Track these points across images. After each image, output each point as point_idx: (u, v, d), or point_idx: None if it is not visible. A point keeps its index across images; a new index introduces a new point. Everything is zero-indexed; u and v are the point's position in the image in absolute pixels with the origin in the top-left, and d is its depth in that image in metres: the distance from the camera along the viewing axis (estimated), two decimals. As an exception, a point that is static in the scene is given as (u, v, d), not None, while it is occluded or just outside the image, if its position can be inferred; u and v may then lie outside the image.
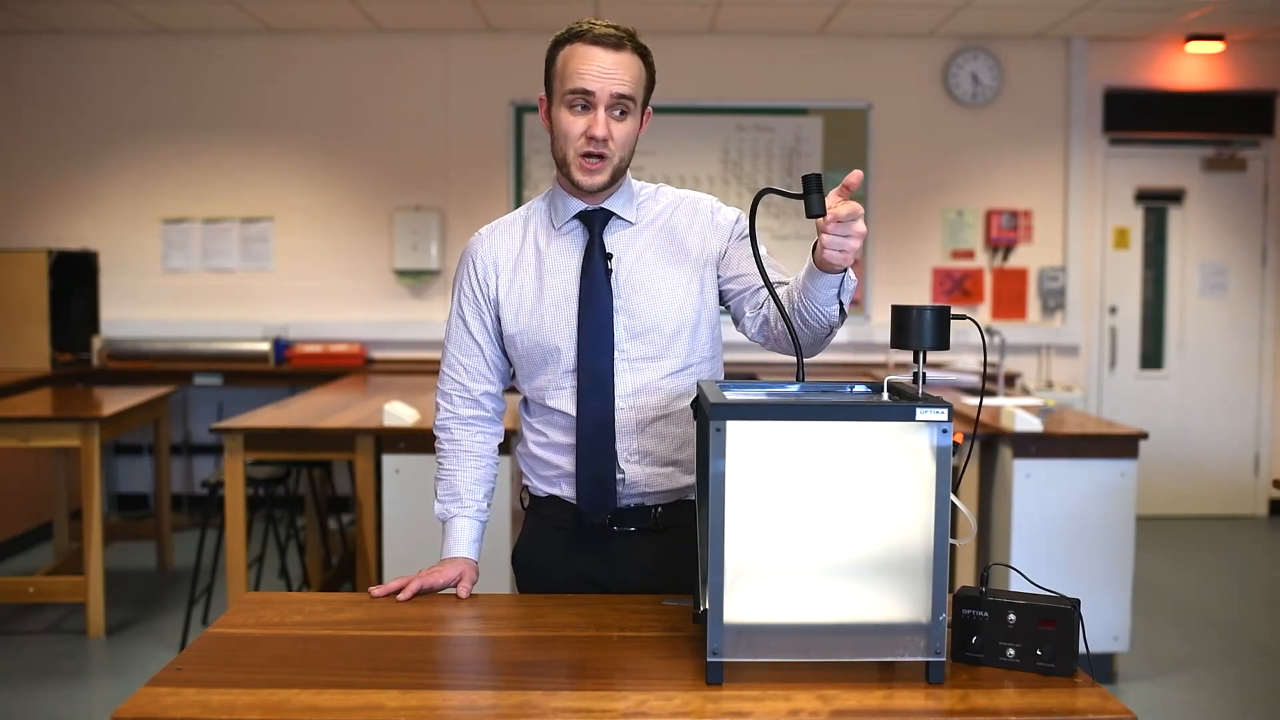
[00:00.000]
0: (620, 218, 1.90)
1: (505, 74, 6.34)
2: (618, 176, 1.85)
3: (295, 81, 6.43)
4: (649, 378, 1.88)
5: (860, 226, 1.59)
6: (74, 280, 6.20)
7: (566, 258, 1.89)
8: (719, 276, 1.92)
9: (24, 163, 6.44)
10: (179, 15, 6.03)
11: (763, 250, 1.80)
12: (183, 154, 6.43)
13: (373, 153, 6.46)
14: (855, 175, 1.59)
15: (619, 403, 1.86)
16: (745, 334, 1.90)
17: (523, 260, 1.91)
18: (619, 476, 1.87)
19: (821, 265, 1.62)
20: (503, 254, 1.93)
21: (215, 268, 6.47)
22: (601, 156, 1.80)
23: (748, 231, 1.80)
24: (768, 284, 1.73)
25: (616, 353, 1.86)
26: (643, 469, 1.88)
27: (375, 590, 1.82)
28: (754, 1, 5.74)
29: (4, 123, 6.43)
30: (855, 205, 1.58)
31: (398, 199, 6.46)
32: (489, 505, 1.99)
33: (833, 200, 1.59)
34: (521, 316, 1.89)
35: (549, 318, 1.87)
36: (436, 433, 2.01)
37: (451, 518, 1.95)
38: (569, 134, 1.81)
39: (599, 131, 1.78)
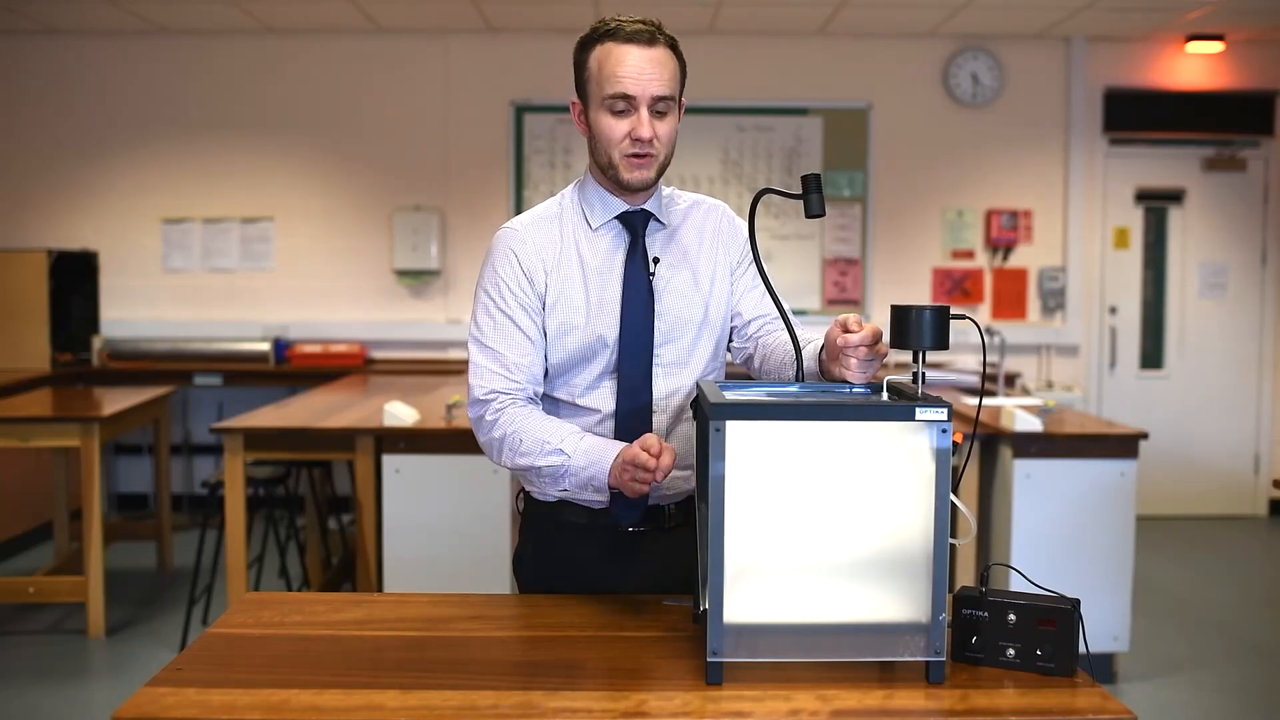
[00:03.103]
0: (657, 220, 1.90)
1: (505, 74, 6.33)
2: (662, 172, 1.85)
3: (295, 81, 6.43)
4: (681, 381, 1.88)
5: (884, 347, 1.60)
6: (74, 280, 6.20)
7: (608, 258, 1.87)
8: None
9: (24, 163, 6.44)
10: (179, 15, 6.03)
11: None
12: (183, 154, 6.43)
13: (373, 153, 6.46)
14: (854, 318, 1.61)
15: (654, 406, 1.86)
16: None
17: (565, 258, 1.86)
18: None
19: (840, 380, 1.63)
20: (547, 250, 1.86)
21: (215, 268, 6.47)
22: (648, 155, 1.80)
23: (751, 257, 1.83)
24: (784, 316, 1.76)
25: (654, 356, 1.86)
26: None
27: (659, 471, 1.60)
28: (754, 1, 5.74)
29: (4, 123, 6.43)
30: (874, 328, 1.59)
31: (398, 199, 6.46)
32: None
33: (844, 332, 1.60)
34: (572, 315, 1.84)
35: (595, 318, 1.85)
36: (492, 428, 1.80)
37: (587, 435, 1.76)
38: (612, 138, 1.79)
39: (645, 133, 1.77)
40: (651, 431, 1.86)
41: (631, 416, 1.85)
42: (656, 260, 1.88)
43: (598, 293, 1.85)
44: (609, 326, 1.85)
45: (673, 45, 1.82)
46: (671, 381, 1.88)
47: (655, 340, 1.86)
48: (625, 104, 1.77)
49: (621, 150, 1.79)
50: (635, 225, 1.88)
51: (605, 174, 1.84)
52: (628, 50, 1.76)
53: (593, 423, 1.87)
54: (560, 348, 1.86)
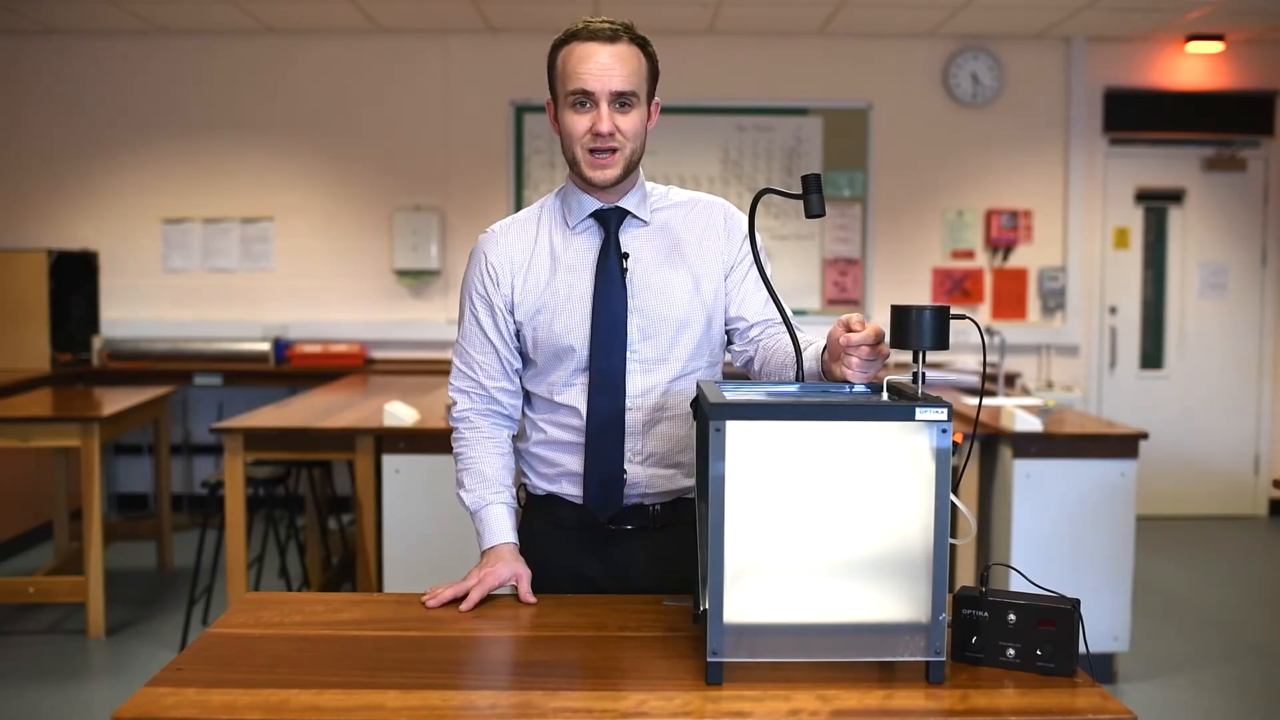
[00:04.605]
0: (635, 217, 1.90)
1: (505, 74, 6.34)
2: (630, 169, 1.85)
3: (295, 81, 6.43)
4: (658, 379, 1.88)
5: (886, 347, 1.60)
6: (74, 280, 6.20)
7: (582, 256, 1.89)
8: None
9: (24, 163, 6.44)
10: (179, 15, 6.03)
11: (764, 259, 1.82)
12: (183, 154, 6.43)
13: (373, 153, 6.46)
14: (857, 318, 1.61)
15: (628, 403, 1.87)
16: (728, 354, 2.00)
17: (536, 259, 1.90)
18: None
19: (841, 380, 1.63)
20: (517, 252, 1.91)
21: (215, 268, 6.47)
22: (611, 150, 1.81)
23: (752, 257, 1.83)
24: (785, 317, 1.77)
25: (628, 353, 1.87)
26: (645, 470, 1.88)
27: (431, 601, 1.76)
28: (754, 1, 5.74)
29: (4, 123, 6.43)
30: (876, 328, 1.60)
31: (398, 199, 6.46)
32: (514, 495, 1.96)
33: (847, 331, 1.60)
34: (539, 315, 1.88)
35: (564, 316, 1.87)
36: (454, 424, 1.98)
37: (486, 505, 1.91)
38: (574, 133, 1.81)
39: (603, 127, 1.79)
40: (624, 430, 1.87)
41: (605, 413, 1.86)
42: (626, 255, 1.88)
43: (569, 291, 1.87)
44: (580, 323, 1.86)
45: (640, 43, 1.83)
46: (648, 379, 1.88)
47: (631, 337, 1.86)
48: (586, 99, 1.79)
49: (583, 145, 1.81)
50: (609, 222, 1.88)
51: (573, 170, 1.87)
52: (590, 47, 1.79)
53: (569, 419, 1.89)
54: (534, 346, 1.90)
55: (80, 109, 6.41)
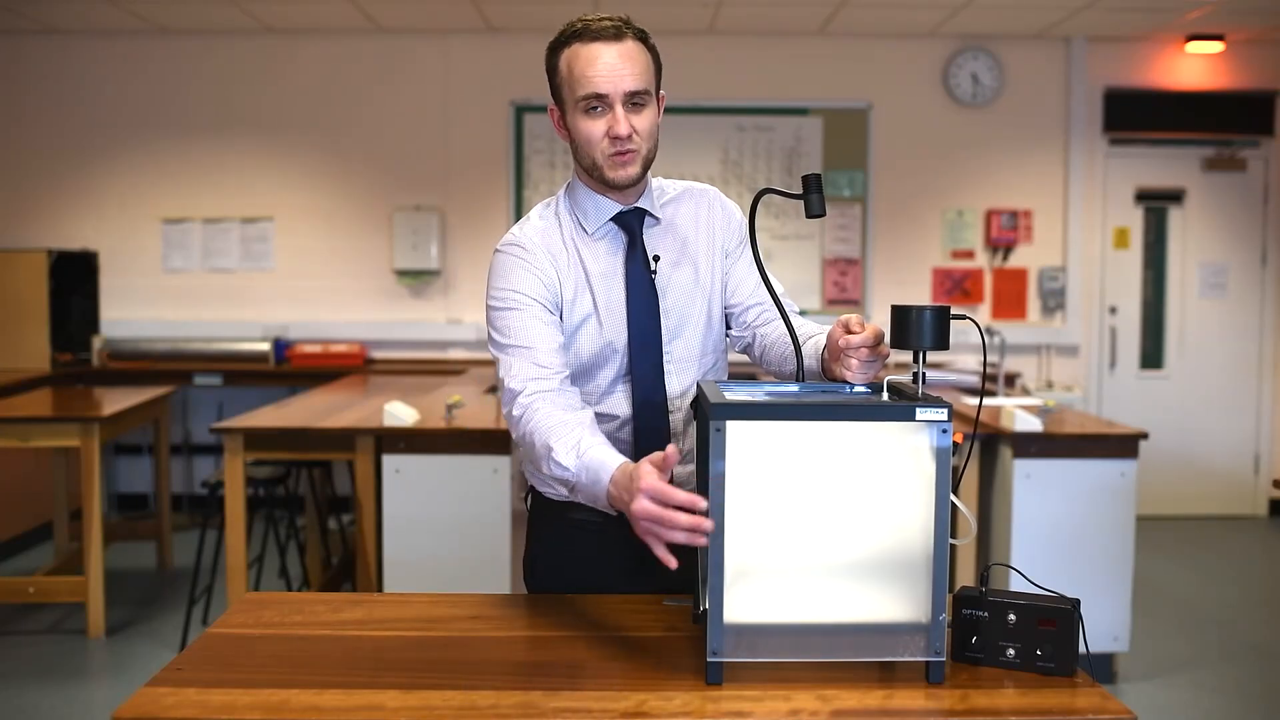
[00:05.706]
0: (652, 216, 1.88)
1: (505, 74, 6.34)
2: (648, 167, 1.83)
3: (295, 81, 6.42)
4: (691, 377, 1.88)
5: (885, 348, 1.60)
6: (74, 280, 6.20)
7: (609, 262, 1.85)
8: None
9: (24, 163, 6.44)
10: (179, 15, 6.03)
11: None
12: (183, 154, 6.43)
13: (373, 153, 6.46)
14: (856, 319, 1.62)
15: (670, 405, 1.85)
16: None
17: (572, 266, 1.84)
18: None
19: (841, 381, 1.63)
20: (558, 255, 1.84)
21: (215, 268, 6.47)
22: (630, 151, 1.77)
23: (747, 238, 1.82)
24: (783, 314, 1.76)
25: (664, 356, 1.85)
26: (684, 468, 1.87)
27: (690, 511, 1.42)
28: (754, 1, 5.74)
29: (4, 123, 6.43)
30: (876, 329, 1.59)
31: (398, 199, 6.46)
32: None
33: (846, 333, 1.60)
34: (585, 323, 1.83)
35: (604, 324, 1.83)
36: (520, 410, 1.71)
37: (587, 449, 1.60)
38: (591, 138, 1.77)
39: (621, 130, 1.74)
40: (668, 429, 1.84)
41: (648, 418, 1.84)
42: (657, 259, 1.86)
43: (604, 298, 1.84)
44: (618, 331, 1.83)
45: (643, 38, 1.78)
46: (684, 379, 1.87)
47: (664, 338, 1.85)
48: (599, 103, 1.75)
49: (602, 150, 1.77)
50: (632, 225, 1.86)
51: (591, 175, 1.82)
52: (596, 49, 1.74)
53: (614, 428, 1.86)
54: (575, 353, 1.84)
55: (80, 109, 6.41)
